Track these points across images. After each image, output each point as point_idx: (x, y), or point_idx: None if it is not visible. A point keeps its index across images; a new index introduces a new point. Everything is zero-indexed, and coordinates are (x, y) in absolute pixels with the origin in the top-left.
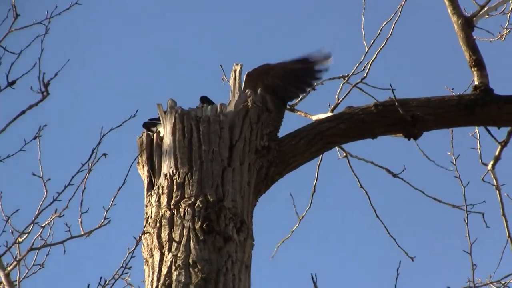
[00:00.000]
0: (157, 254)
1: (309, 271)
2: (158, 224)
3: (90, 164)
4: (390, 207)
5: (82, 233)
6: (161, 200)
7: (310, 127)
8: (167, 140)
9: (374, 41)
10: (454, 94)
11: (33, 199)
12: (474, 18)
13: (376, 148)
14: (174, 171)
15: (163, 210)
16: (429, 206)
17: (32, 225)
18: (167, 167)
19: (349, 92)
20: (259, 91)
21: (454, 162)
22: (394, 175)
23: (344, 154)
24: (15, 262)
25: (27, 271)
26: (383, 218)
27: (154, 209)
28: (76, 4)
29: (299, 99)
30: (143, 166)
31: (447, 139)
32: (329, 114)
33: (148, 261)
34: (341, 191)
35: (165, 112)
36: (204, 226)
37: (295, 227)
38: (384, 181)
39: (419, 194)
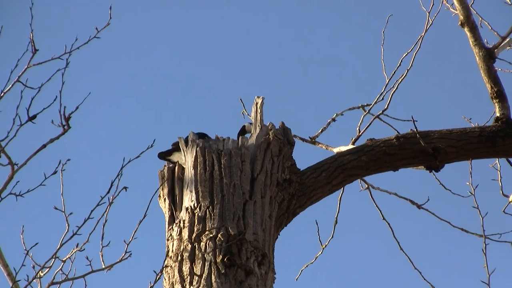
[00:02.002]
0: None
1: None
2: (179, 258)
3: (110, 197)
4: (413, 238)
5: (103, 267)
6: (183, 233)
7: (332, 160)
8: (189, 173)
9: (394, 72)
10: (475, 125)
11: (54, 233)
12: (495, 50)
13: (394, 179)
14: (196, 205)
15: (184, 244)
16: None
17: (53, 259)
18: (188, 200)
19: (370, 123)
20: (280, 124)
21: (473, 192)
22: (419, 206)
23: (366, 186)
24: None
25: None
26: (406, 250)
27: (175, 242)
28: (94, 38)
29: (320, 131)
30: (165, 199)
31: (466, 169)
32: (350, 146)
33: None
34: (364, 222)
35: (186, 145)
36: (225, 259)
37: (318, 254)
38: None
39: (441, 226)
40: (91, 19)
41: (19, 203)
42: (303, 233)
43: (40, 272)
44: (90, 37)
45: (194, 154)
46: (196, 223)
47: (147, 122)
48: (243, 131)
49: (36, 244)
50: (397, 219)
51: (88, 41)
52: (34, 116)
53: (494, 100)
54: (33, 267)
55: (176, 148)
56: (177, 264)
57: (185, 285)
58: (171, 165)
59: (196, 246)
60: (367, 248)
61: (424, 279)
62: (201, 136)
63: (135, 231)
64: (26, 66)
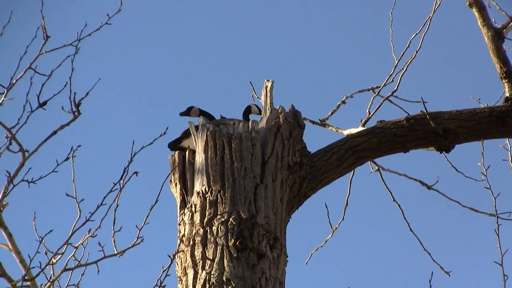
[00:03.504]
0: (191, 273)
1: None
2: (191, 242)
3: (122, 183)
4: (423, 220)
5: (116, 252)
6: (194, 218)
7: (342, 142)
8: (199, 158)
9: (403, 53)
10: (485, 106)
11: (66, 219)
12: (504, 30)
13: (405, 161)
14: (207, 189)
15: (196, 228)
16: (461, 217)
17: (65, 245)
18: (199, 185)
19: (380, 105)
20: (290, 107)
21: (485, 173)
22: (429, 187)
23: (377, 167)
24: (49, 283)
25: None
26: (416, 232)
27: (187, 227)
28: (106, 24)
29: (330, 113)
30: (176, 184)
31: (477, 150)
32: (360, 128)
33: (182, 280)
34: (374, 204)
35: (196, 130)
36: (237, 243)
37: (328, 237)
38: (416, 194)
39: (452, 206)
40: (102, 5)
41: (31, 190)
42: (313, 216)
43: (52, 258)
44: (102, 24)
45: (205, 138)
46: (207, 207)
47: (158, 108)
48: (248, 111)
49: (50, 231)
50: (407, 201)
51: (100, 27)
52: (45, 103)
53: (503, 80)
54: (46, 253)
55: (185, 135)
56: (189, 248)
57: (198, 270)
58: (181, 151)
59: (208, 230)
60: (377, 230)
61: (434, 260)
62: (204, 114)
63: (147, 217)
64: (38, 53)
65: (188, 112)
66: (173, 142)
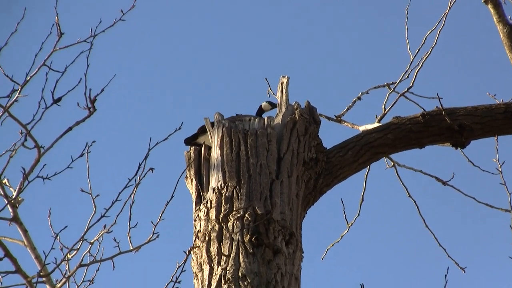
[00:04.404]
0: (206, 268)
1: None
2: (207, 238)
3: (137, 179)
4: (439, 216)
5: (131, 248)
6: (210, 214)
7: (358, 138)
8: (215, 154)
9: (419, 50)
10: (500, 102)
11: (82, 215)
12: None
13: (421, 157)
14: (223, 185)
15: (212, 224)
16: (476, 213)
17: (81, 241)
18: (215, 181)
19: (395, 101)
20: (306, 103)
21: (500, 169)
22: (444, 183)
23: (392, 163)
24: (64, 279)
25: (76, 287)
26: (432, 227)
27: (203, 223)
28: (120, 20)
29: (346, 109)
30: (191, 180)
31: (492, 146)
32: (376, 124)
33: (197, 275)
34: (389, 200)
35: (212, 126)
36: (253, 239)
37: (344, 232)
38: (431, 190)
39: (467, 202)
40: (116, 1)
41: (46, 186)
42: (329, 211)
43: (68, 254)
44: (116, 20)
45: (220, 134)
46: (223, 203)
47: (173, 104)
48: (260, 112)
49: (65, 227)
50: (422, 197)
51: (114, 23)
52: (59, 99)
53: None
54: (61, 249)
55: (201, 131)
56: (205, 244)
57: (213, 265)
58: (197, 146)
59: (224, 226)
60: (392, 226)
61: (449, 256)
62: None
63: (162, 212)
64: (52, 50)
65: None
66: (189, 138)
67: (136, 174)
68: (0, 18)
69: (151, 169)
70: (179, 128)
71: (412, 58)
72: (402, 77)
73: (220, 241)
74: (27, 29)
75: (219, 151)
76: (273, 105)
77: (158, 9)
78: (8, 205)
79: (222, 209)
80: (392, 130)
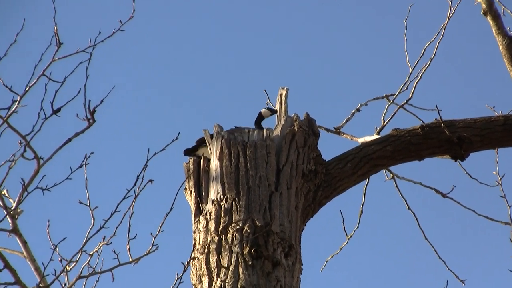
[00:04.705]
0: (205, 280)
1: None
2: (206, 250)
3: (136, 190)
4: (438, 228)
5: (130, 260)
6: (209, 226)
7: (357, 150)
8: (214, 165)
9: (418, 61)
10: (499, 114)
11: (81, 226)
12: None
13: (420, 169)
14: (222, 197)
15: (211, 236)
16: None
17: (80, 253)
18: (214, 192)
19: (394, 113)
20: (305, 114)
21: (500, 182)
22: (444, 195)
23: (391, 175)
24: None
25: None
26: (431, 240)
27: (202, 234)
28: (118, 30)
29: (345, 121)
30: (191, 192)
31: (492, 158)
32: (375, 136)
33: (197, 287)
34: (389, 212)
35: (211, 138)
36: (252, 251)
37: (344, 244)
38: (431, 202)
39: (467, 215)
40: (115, 12)
41: (45, 197)
42: (328, 223)
43: (67, 266)
44: (114, 30)
45: (220, 146)
46: (222, 215)
47: (171, 115)
48: (260, 118)
49: (64, 239)
50: (422, 209)
51: (112, 34)
52: (59, 109)
53: None
54: (61, 261)
55: (200, 143)
56: (204, 256)
57: (213, 277)
58: (196, 158)
59: (223, 238)
60: (392, 238)
61: (449, 269)
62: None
63: (161, 224)
64: (50, 60)
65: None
66: (189, 149)
67: (134, 185)
68: None
69: (151, 180)
70: (176, 138)
71: (411, 70)
72: (401, 88)
73: (219, 253)
74: (26, 39)
75: (218, 163)
76: (272, 111)
77: (156, 19)
78: (7, 216)
79: (221, 221)
80: (391, 142)
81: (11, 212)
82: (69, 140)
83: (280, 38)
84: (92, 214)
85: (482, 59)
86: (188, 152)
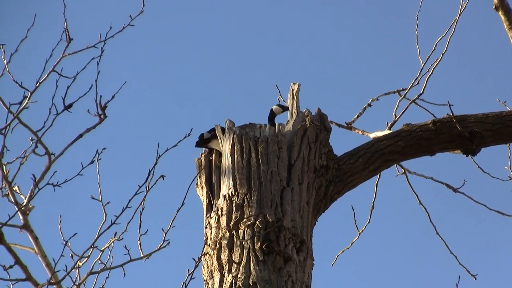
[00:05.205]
0: (217, 276)
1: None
2: (217, 246)
3: (147, 186)
4: (450, 223)
5: (142, 255)
6: (221, 221)
7: (368, 146)
8: (226, 161)
9: (429, 56)
10: (511, 109)
11: (92, 222)
12: None
13: (431, 164)
14: (233, 192)
15: (222, 231)
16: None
17: (91, 248)
18: (226, 188)
19: (406, 108)
20: (316, 110)
21: (511, 176)
22: (455, 190)
23: (403, 170)
24: (75, 287)
25: None
26: (442, 235)
27: (213, 230)
28: (129, 25)
29: (356, 116)
30: (202, 187)
31: (504, 153)
32: (386, 131)
33: (208, 283)
34: (400, 207)
35: (223, 133)
36: (263, 246)
37: (355, 239)
38: (442, 197)
39: (478, 210)
40: (125, 6)
41: (56, 193)
42: (339, 218)
43: (78, 262)
44: (124, 25)
45: (231, 141)
46: (234, 211)
47: (183, 110)
48: (272, 115)
49: (75, 234)
50: (433, 204)
51: (123, 29)
52: (70, 105)
53: None
54: (72, 257)
55: (214, 134)
56: (215, 251)
57: (224, 273)
58: (208, 153)
59: (235, 233)
60: (403, 233)
61: (460, 264)
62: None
63: (173, 220)
64: (61, 56)
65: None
66: (201, 141)
67: (146, 181)
68: (10, 24)
69: (162, 176)
70: (189, 135)
71: (422, 65)
72: (412, 83)
73: (230, 248)
74: (37, 35)
75: (230, 158)
76: (284, 108)
77: (166, 13)
78: (18, 212)
79: (233, 217)
80: (403, 138)
81: (22, 208)
82: (81, 136)
83: (292, 34)
84: (104, 210)
85: (494, 54)
86: (200, 144)
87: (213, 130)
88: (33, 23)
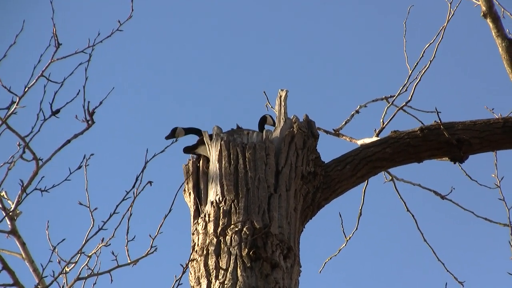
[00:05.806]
0: (204, 282)
1: None
2: (205, 252)
3: (135, 191)
4: (437, 230)
5: (129, 261)
6: (208, 227)
7: (356, 152)
8: (213, 167)
9: (417, 63)
10: (498, 116)
11: (80, 228)
12: None
13: (419, 171)
14: (221, 198)
15: (210, 238)
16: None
17: (79, 254)
18: (213, 194)
19: (394, 115)
20: (304, 116)
21: (499, 184)
22: (442, 197)
23: (390, 177)
24: None
25: None
26: (430, 242)
27: (201, 236)
28: (117, 31)
29: (344, 123)
30: (190, 193)
31: (491, 161)
32: (374, 138)
33: None
34: (388, 214)
35: (210, 139)
36: (251, 253)
37: (342, 246)
38: (430, 204)
39: (466, 217)
40: (114, 12)
41: (44, 199)
42: (327, 225)
43: (66, 267)
44: (113, 31)
45: (219, 147)
46: (221, 217)
47: (171, 116)
48: (263, 121)
49: (63, 240)
50: (421, 211)
51: (111, 34)
52: (58, 111)
53: None
54: (59, 262)
55: (201, 141)
56: (202, 258)
57: (211, 279)
58: (195, 159)
59: (222, 240)
60: (391, 240)
61: (448, 270)
62: (189, 131)
63: (160, 226)
64: (49, 61)
65: (173, 134)
66: (189, 147)
67: (133, 186)
68: None
69: (150, 182)
70: (176, 141)
71: (410, 72)
72: (400, 90)
73: (218, 255)
74: (25, 41)
75: (218, 164)
76: (274, 123)
77: (155, 18)
78: (6, 217)
79: (220, 223)
80: (391, 144)
81: (10, 214)
82: (68, 141)
83: (279, 39)
84: (92, 215)
85: (482, 61)
86: (188, 150)
87: (191, 128)
88: (21, 28)
